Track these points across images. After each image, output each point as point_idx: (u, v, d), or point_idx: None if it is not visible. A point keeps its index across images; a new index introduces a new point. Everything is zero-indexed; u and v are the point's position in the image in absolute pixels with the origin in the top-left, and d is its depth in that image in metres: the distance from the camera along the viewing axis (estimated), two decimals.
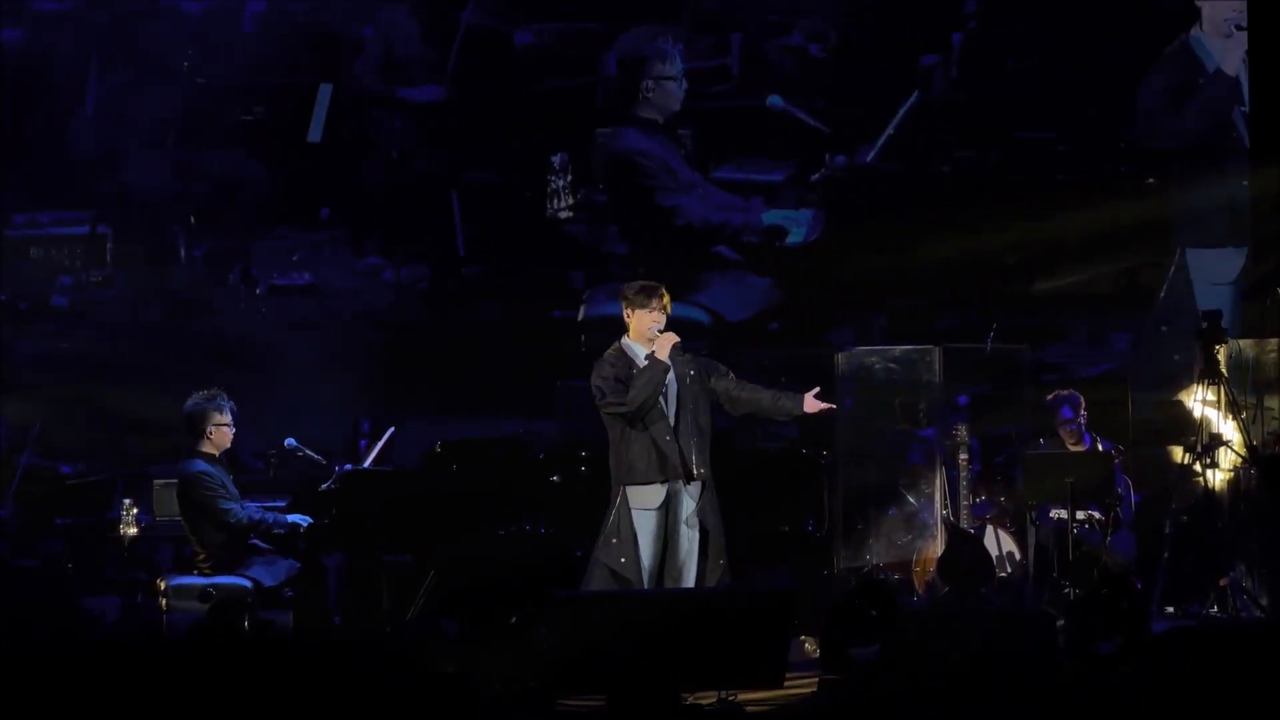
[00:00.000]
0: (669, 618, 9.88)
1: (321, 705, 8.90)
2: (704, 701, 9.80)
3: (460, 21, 16.42)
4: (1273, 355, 14.73)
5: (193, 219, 16.40)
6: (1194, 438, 14.03)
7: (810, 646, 11.96)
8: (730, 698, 9.96)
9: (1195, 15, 16.15)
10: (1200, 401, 14.15)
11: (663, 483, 10.92)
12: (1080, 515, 13.38)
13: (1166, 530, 14.15)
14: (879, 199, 16.32)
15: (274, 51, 16.28)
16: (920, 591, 13.87)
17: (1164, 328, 16.10)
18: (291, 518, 12.10)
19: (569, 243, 16.57)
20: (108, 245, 16.46)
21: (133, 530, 13.12)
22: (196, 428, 12.07)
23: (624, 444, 10.93)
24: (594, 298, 16.41)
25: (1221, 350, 14.35)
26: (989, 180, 16.32)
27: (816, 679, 10.41)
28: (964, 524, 13.77)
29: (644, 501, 10.90)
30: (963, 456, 13.81)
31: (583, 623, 9.88)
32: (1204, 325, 13.97)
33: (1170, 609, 13.88)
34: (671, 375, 11.01)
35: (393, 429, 13.10)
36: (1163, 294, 16.07)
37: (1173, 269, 16.16)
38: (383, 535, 12.23)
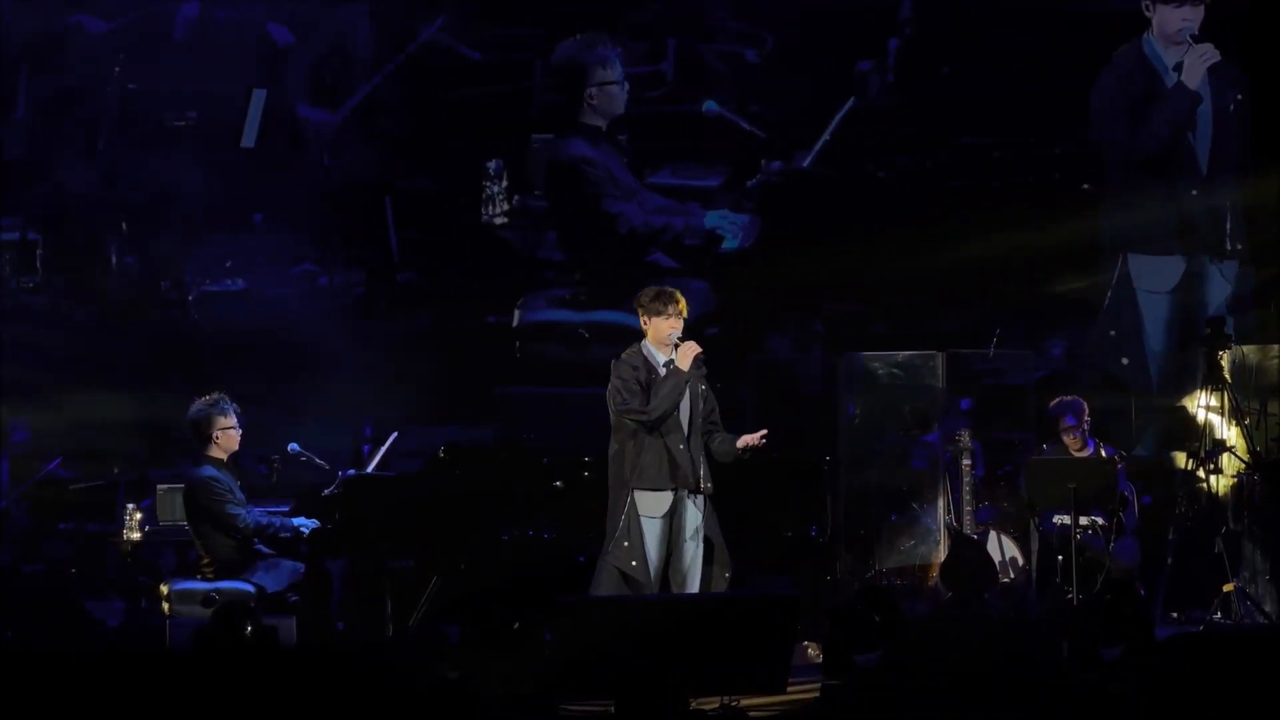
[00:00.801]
0: (672, 623, 9.88)
1: (324, 711, 8.90)
2: (707, 707, 9.81)
3: (419, 33, 16.33)
4: (1275, 361, 14.74)
5: (124, 225, 16.19)
6: (1198, 443, 14.03)
7: (813, 652, 11.96)
8: (733, 703, 9.96)
9: (1144, 22, 16.04)
10: (1204, 407, 14.15)
11: (672, 490, 10.93)
12: (1084, 521, 13.36)
13: (1170, 536, 14.14)
14: (815, 204, 16.21)
15: (206, 58, 16.07)
16: (926, 597, 13.87)
17: (1112, 332, 16.06)
18: (296, 521, 12.11)
19: (504, 249, 16.43)
20: (38, 251, 16.23)
21: (136, 535, 13.13)
22: (203, 433, 12.06)
23: (634, 448, 10.93)
24: (529, 304, 16.31)
25: (1225, 356, 14.35)
26: (926, 186, 16.23)
27: (819, 684, 10.41)
28: (967, 529, 13.76)
29: (651, 508, 10.91)
30: (966, 462, 13.81)
31: (586, 628, 9.87)
32: (1207, 331, 13.97)
33: (1174, 615, 13.87)
34: (690, 386, 11.03)
35: (396, 434, 13.08)
36: (1107, 300, 16.00)
37: (1116, 274, 16.09)
38: (385, 540, 12.21)
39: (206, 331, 15.93)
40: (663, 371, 11.01)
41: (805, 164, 16.39)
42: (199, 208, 16.32)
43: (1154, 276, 16.10)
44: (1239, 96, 16.13)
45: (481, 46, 16.42)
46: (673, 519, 10.93)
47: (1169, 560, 14.08)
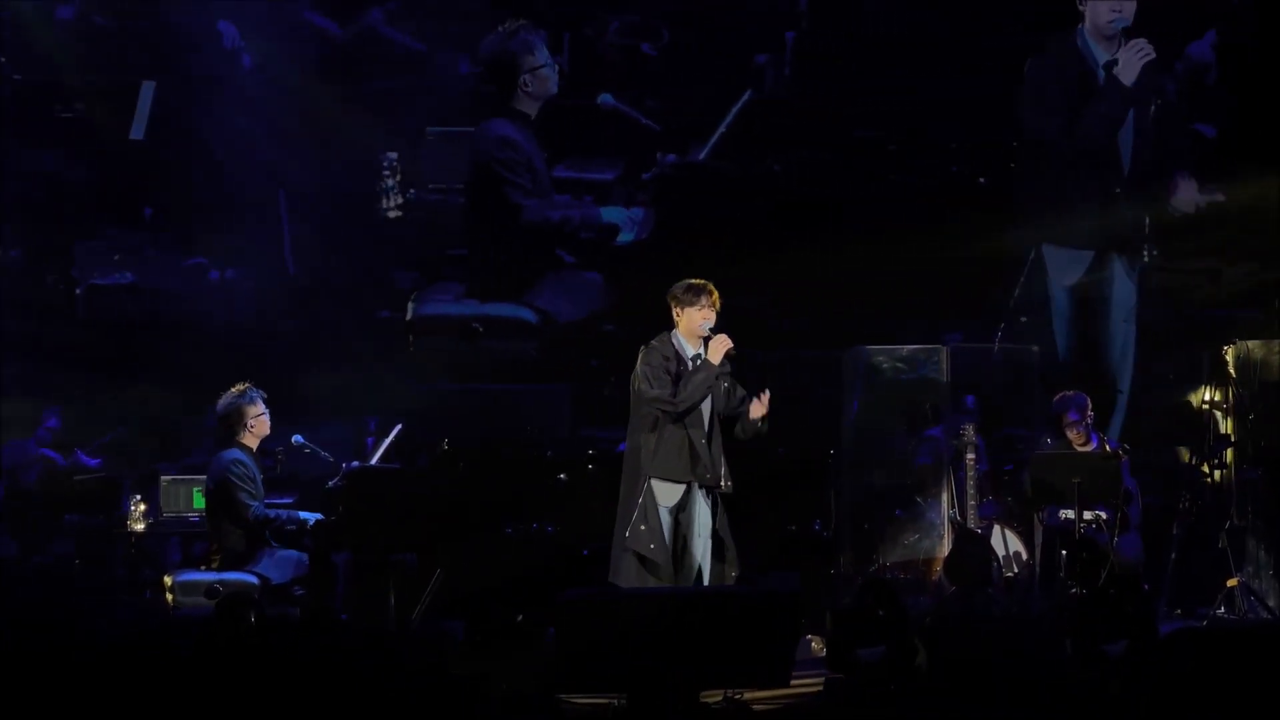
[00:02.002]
0: (677, 617, 9.87)
1: (327, 703, 8.91)
2: (710, 700, 9.81)
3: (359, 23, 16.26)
4: (1278, 356, 14.73)
5: (10, 218, 16.03)
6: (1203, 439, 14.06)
7: (817, 646, 11.97)
8: (736, 696, 9.97)
9: (1057, 18, 16.07)
10: (1207, 403, 14.16)
11: (686, 484, 10.90)
12: (1087, 516, 13.36)
13: (1174, 531, 14.15)
14: (711, 198, 16.17)
15: (94, 48, 15.94)
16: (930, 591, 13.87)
17: (1023, 319, 16.04)
18: (302, 514, 12.14)
19: (397, 242, 16.38)
20: None
21: (140, 527, 13.16)
22: (235, 424, 12.24)
23: (655, 437, 10.90)
24: (422, 298, 16.26)
25: (1230, 351, 14.36)
26: (823, 180, 16.16)
27: (823, 678, 10.42)
28: (971, 524, 13.77)
29: (664, 498, 10.89)
30: (969, 456, 13.80)
31: (590, 622, 9.86)
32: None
33: (1177, 611, 13.87)
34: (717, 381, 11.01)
35: (400, 426, 13.09)
36: (1018, 289, 15.96)
37: (1028, 265, 16.07)
38: (389, 534, 12.22)
39: (94, 325, 15.83)
40: (690, 364, 10.97)
41: (701, 157, 16.34)
42: (87, 200, 16.17)
43: (1065, 269, 16.06)
44: (1159, 101, 16.06)
45: (376, 40, 16.33)
46: (680, 514, 10.91)
47: (1173, 556, 14.10)
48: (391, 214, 16.34)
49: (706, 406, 10.99)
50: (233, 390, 12.27)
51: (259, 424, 12.26)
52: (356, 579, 12.18)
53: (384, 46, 16.31)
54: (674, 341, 11.10)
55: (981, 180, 16.33)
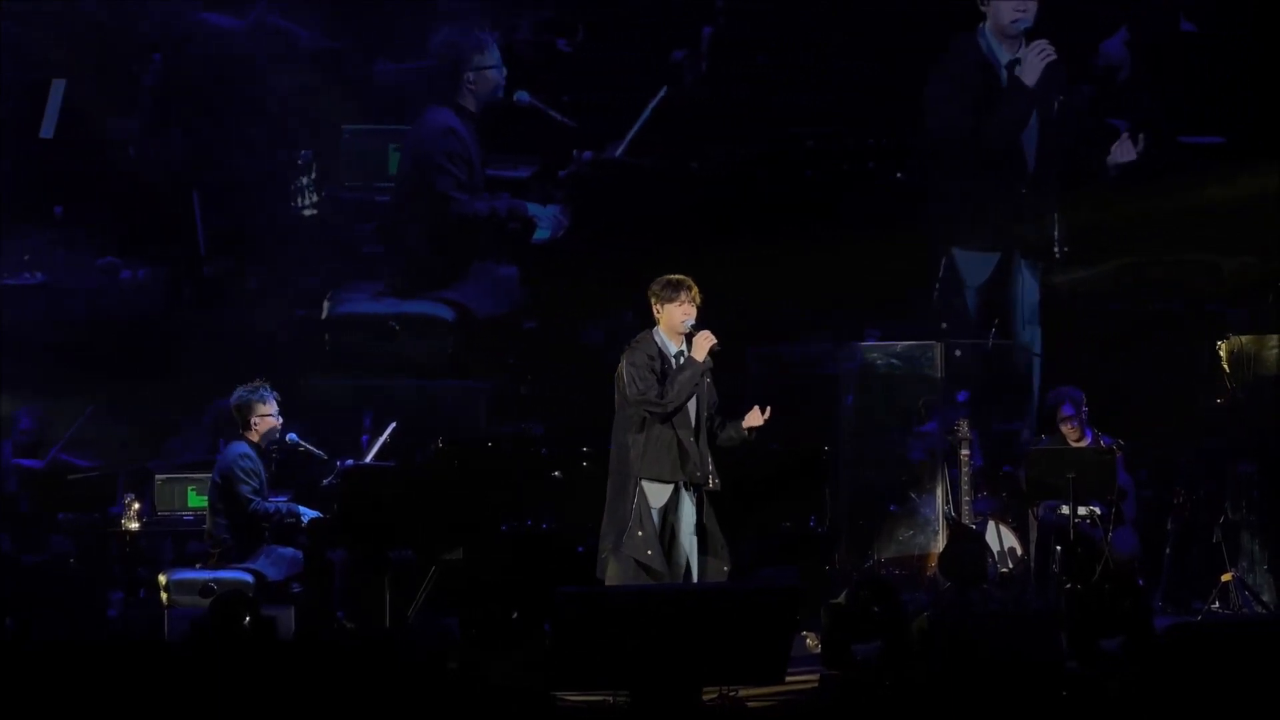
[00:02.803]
0: (673, 614, 9.86)
1: (323, 701, 8.91)
2: (706, 697, 9.82)
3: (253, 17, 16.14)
4: (1274, 351, 14.73)
5: None
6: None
7: (812, 642, 11.97)
8: (731, 693, 9.97)
9: (971, 15, 16.01)
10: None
11: (678, 483, 10.82)
12: (1082, 511, 13.36)
13: (1169, 526, 14.16)
14: (627, 194, 16.04)
15: (2, 46, 15.69)
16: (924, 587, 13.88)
17: (944, 325, 16.00)
18: (302, 509, 12.15)
19: (313, 241, 16.20)
20: None
21: (135, 525, 13.15)
22: (243, 419, 12.28)
23: (644, 438, 10.81)
24: (338, 296, 16.13)
25: (1224, 346, 14.38)
26: (740, 176, 16.03)
27: (818, 675, 10.42)
28: (966, 520, 13.77)
29: (654, 500, 10.79)
30: (964, 452, 13.80)
31: (588, 619, 9.85)
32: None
33: (1173, 605, 13.88)
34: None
35: (394, 424, 13.08)
36: (935, 293, 15.91)
37: (943, 269, 16.01)
38: (385, 531, 12.21)
39: (3, 325, 15.61)
40: (674, 361, 10.89)
41: (617, 154, 16.19)
42: None
43: (973, 272, 16.03)
44: (1061, 98, 16.02)
45: (279, 34, 16.14)
46: (668, 514, 10.84)
47: (1167, 551, 14.11)
48: (307, 212, 16.17)
49: (693, 405, 10.89)
50: (247, 385, 12.32)
51: (264, 423, 12.27)
52: (353, 576, 12.18)
53: (289, 39, 16.13)
54: (656, 339, 10.97)
55: (899, 175, 16.24)
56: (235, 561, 11.99)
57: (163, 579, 12.06)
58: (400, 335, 15.86)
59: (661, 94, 16.10)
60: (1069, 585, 12.92)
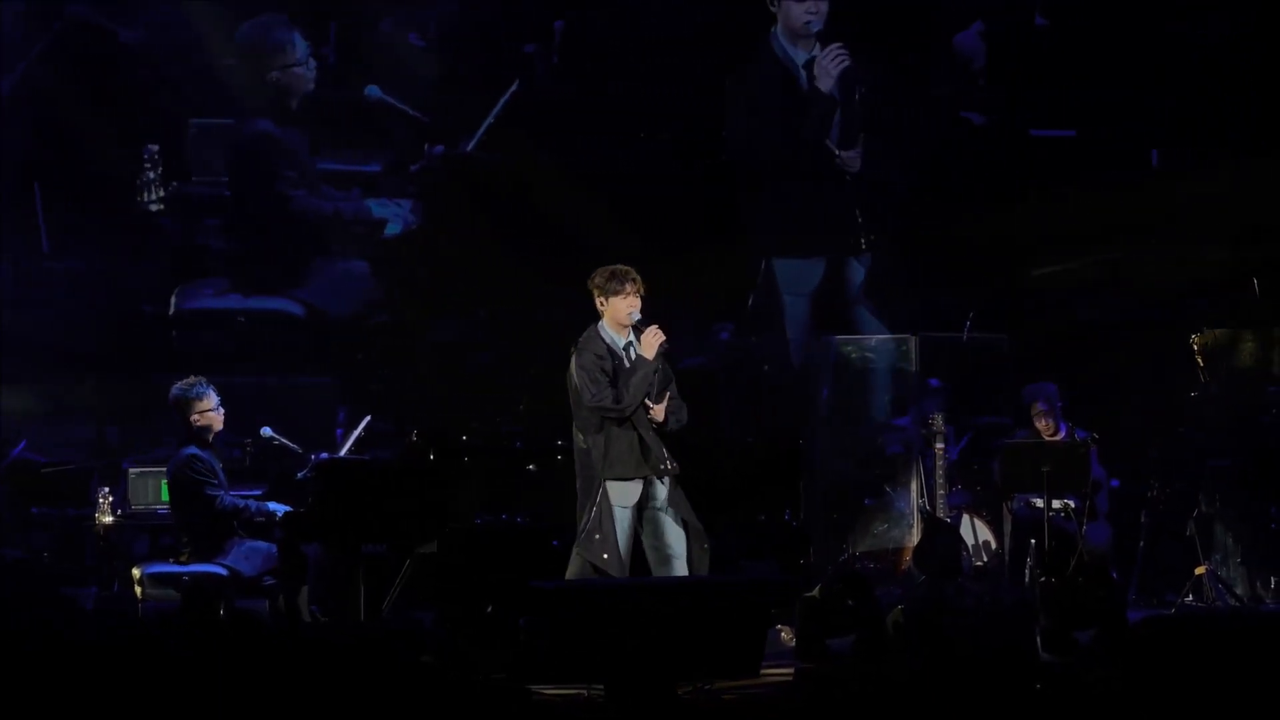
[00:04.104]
0: (648, 607, 9.86)
1: (296, 694, 8.89)
2: (680, 690, 9.82)
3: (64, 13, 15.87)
4: (1248, 344, 14.77)
5: None
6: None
7: (787, 636, 11.97)
8: (706, 687, 9.96)
9: (772, 18, 15.96)
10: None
11: (643, 478, 10.75)
12: (1056, 504, 13.39)
13: (1143, 519, 14.19)
14: (479, 189, 15.93)
15: None
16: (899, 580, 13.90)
17: (754, 338, 15.99)
18: (271, 506, 12.11)
19: (159, 236, 15.99)
20: None
21: (108, 520, 13.12)
22: (183, 416, 12.18)
23: (604, 439, 10.70)
24: (185, 292, 15.95)
25: (1198, 339, 14.41)
26: (591, 171, 15.89)
27: (793, 668, 10.43)
28: (940, 513, 13.79)
29: (623, 498, 10.72)
30: (939, 446, 13.81)
31: (563, 612, 9.85)
32: None
33: (1146, 598, 13.91)
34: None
35: (369, 418, 13.05)
36: (750, 303, 15.84)
37: (761, 278, 15.94)
38: (359, 525, 12.18)
39: None
40: (623, 354, 10.77)
41: (469, 148, 16.08)
42: None
43: (797, 279, 15.93)
44: (863, 89, 15.97)
45: (138, 27, 15.94)
46: (643, 508, 10.79)
47: (1141, 544, 14.14)
48: (153, 207, 15.94)
49: (649, 398, 10.76)
50: (183, 382, 12.21)
51: (204, 419, 12.13)
52: (327, 570, 12.16)
53: (152, 38, 15.92)
54: (602, 335, 10.82)
55: (723, 158, 16.14)
56: (207, 557, 11.95)
57: (136, 573, 12.03)
58: (248, 331, 15.73)
59: (513, 89, 15.99)
60: (1043, 578, 12.94)
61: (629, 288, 10.77)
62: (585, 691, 9.82)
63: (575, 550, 10.76)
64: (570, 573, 10.73)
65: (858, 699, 9.64)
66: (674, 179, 15.95)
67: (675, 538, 10.77)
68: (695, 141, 16.17)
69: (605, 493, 10.68)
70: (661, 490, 10.78)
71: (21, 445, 14.83)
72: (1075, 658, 10.16)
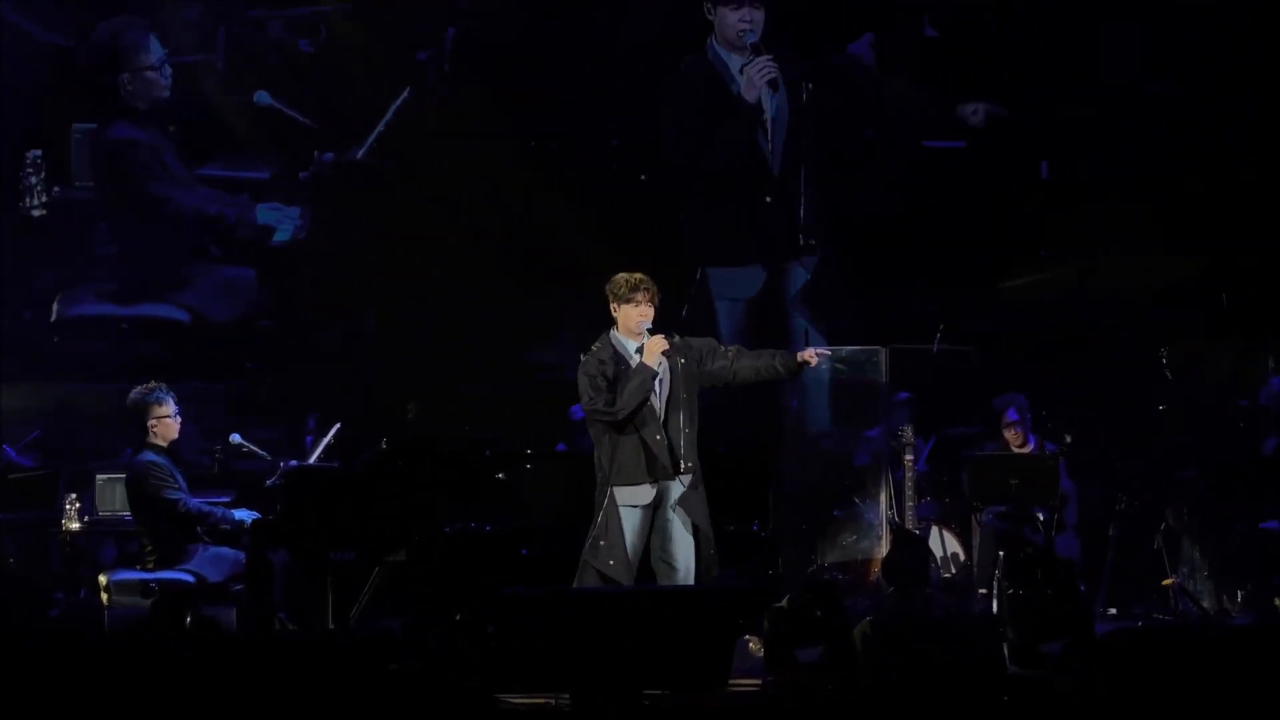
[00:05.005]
0: (616, 616, 9.85)
1: (263, 701, 8.87)
2: (646, 700, 9.81)
3: None
4: (1218, 357, 14.83)
5: None
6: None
7: (755, 646, 11.96)
8: (673, 698, 9.95)
9: (709, 26, 15.90)
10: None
11: (652, 483, 10.81)
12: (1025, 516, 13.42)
13: (1110, 532, 14.22)
14: (369, 196, 15.85)
15: None
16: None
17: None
18: (238, 513, 12.08)
19: (41, 241, 15.82)
20: None
21: (75, 525, 13.08)
22: (141, 422, 12.18)
23: (610, 444, 10.79)
24: (68, 298, 15.80)
25: (1167, 352, 14.45)
26: (485, 177, 15.79)
27: (761, 680, 10.42)
28: (909, 525, 13.80)
29: (634, 499, 10.79)
30: (908, 458, 13.83)
31: (530, 621, 9.84)
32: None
33: (1113, 611, 13.94)
34: (664, 370, 10.87)
35: (339, 425, 13.04)
36: (684, 312, 15.77)
37: (696, 286, 15.87)
38: (327, 532, 12.16)
39: None
40: (633, 362, 10.83)
41: (359, 155, 15.98)
42: None
43: (733, 285, 15.87)
44: (810, 85, 15.93)
45: (16, 29, 15.80)
46: (656, 510, 10.82)
47: (1109, 556, 14.17)
48: (35, 212, 15.81)
49: (662, 400, 10.85)
50: (141, 387, 12.23)
51: (162, 425, 12.16)
52: (295, 578, 12.13)
53: (20, 34, 15.76)
54: (613, 341, 10.91)
55: (643, 178, 16.08)
56: (172, 564, 11.92)
57: (103, 579, 12.00)
58: (132, 337, 15.62)
59: (404, 95, 15.92)
60: (1011, 590, 12.95)
61: (641, 296, 10.86)
62: (553, 700, 9.81)
63: (583, 558, 10.80)
64: (578, 581, 10.76)
65: (825, 710, 9.64)
66: (568, 187, 15.83)
67: (681, 547, 10.83)
68: (589, 147, 16.08)
69: (612, 497, 10.77)
70: (675, 493, 10.83)
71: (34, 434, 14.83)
72: (1043, 670, 10.17)
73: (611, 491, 10.77)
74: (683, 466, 10.81)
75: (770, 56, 15.66)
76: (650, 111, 16.02)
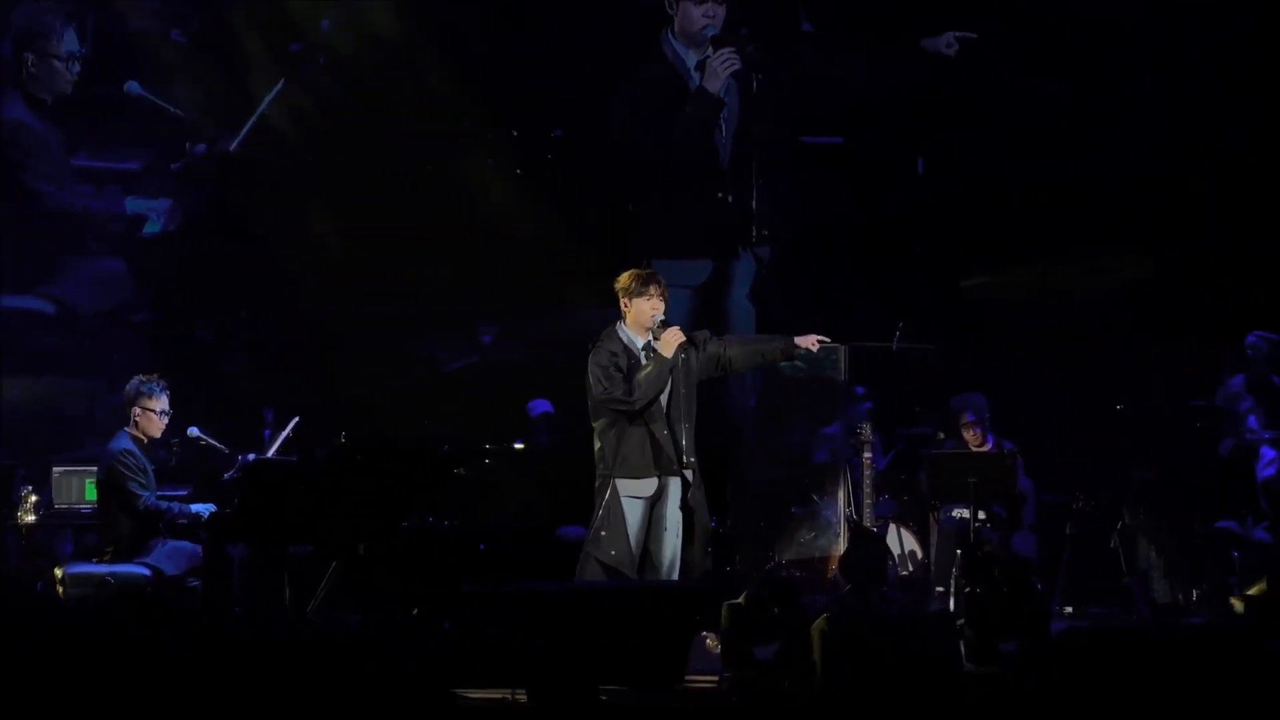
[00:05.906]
0: (573, 612, 9.86)
1: (219, 696, 8.85)
2: (603, 695, 9.81)
3: None
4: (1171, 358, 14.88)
5: None
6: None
7: (712, 643, 11.96)
8: (629, 693, 9.95)
9: (668, 19, 15.98)
10: None
11: (656, 476, 10.86)
12: (982, 515, 13.44)
13: (1067, 531, 14.26)
14: (242, 188, 15.74)
15: None
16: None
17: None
18: (195, 507, 12.05)
19: None
20: None
21: (31, 519, 13.03)
22: (126, 410, 12.23)
23: (615, 436, 10.84)
24: None
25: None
26: (366, 167, 15.72)
27: (717, 677, 10.42)
28: (867, 522, 13.82)
29: (636, 491, 10.85)
30: (866, 455, 13.85)
31: (487, 616, 9.84)
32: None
33: (1069, 609, 13.98)
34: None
35: (297, 419, 13.01)
36: None
37: None
38: (285, 526, 12.13)
39: None
40: (640, 356, 10.87)
41: (232, 147, 15.91)
42: None
43: (681, 274, 15.72)
44: (759, 76, 15.97)
45: None
46: (655, 504, 10.87)
47: (1065, 555, 14.20)
48: None
49: (666, 393, 10.88)
50: (142, 377, 12.27)
51: (145, 418, 12.21)
52: (252, 571, 12.10)
53: None
54: (621, 335, 10.96)
55: (557, 133, 16.02)
56: (130, 557, 11.90)
57: (59, 572, 11.96)
58: None
59: (279, 87, 15.83)
60: (968, 588, 12.98)
61: (653, 290, 10.92)
62: (509, 695, 9.81)
63: (584, 549, 10.82)
64: (581, 571, 10.79)
65: (781, 707, 9.65)
66: (455, 180, 15.78)
67: (670, 547, 10.90)
68: (491, 139, 16.00)
69: (615, 489, 10.83)
70: (675, 488, 10.85)
71: None
72: (999, 668, 10.19)
73: (614, 483, 10.83)
74: (686, 460, 10.85)
75: (734, 49, 15.68)
76: (594, 107, 16.00)
